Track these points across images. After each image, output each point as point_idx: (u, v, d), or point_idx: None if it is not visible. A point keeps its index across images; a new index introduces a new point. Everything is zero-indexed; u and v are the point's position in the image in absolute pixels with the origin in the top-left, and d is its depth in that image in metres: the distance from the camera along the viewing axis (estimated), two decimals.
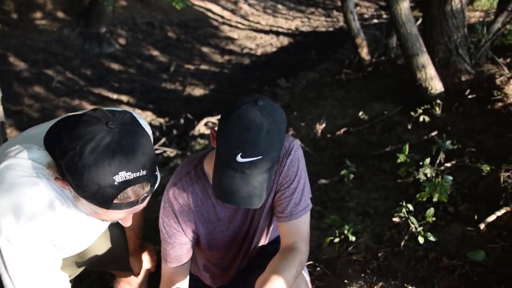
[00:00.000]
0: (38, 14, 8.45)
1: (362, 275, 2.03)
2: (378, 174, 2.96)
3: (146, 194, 1.10)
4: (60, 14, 8.57)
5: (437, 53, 3.82)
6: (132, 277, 1.93)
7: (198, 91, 7.21)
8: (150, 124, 4.53)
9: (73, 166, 1.02)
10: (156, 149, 4.63)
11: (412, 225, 2.04)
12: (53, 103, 6.50)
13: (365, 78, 5.15)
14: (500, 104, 3.21)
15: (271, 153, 1.17)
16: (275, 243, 1.64)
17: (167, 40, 9.07)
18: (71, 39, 8.07)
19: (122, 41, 8.58)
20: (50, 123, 1.32)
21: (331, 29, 9.83)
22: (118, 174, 1.02)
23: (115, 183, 1.02)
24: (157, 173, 1.15)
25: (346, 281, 2.03)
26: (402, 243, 2.13)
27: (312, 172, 3.14)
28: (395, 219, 2.30)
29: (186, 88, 7.31)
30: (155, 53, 8.53)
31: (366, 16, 9.93)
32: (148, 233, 3.17)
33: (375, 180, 2.90)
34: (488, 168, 2.47)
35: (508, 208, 2.13)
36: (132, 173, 1.03)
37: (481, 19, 4.62)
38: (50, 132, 1.11)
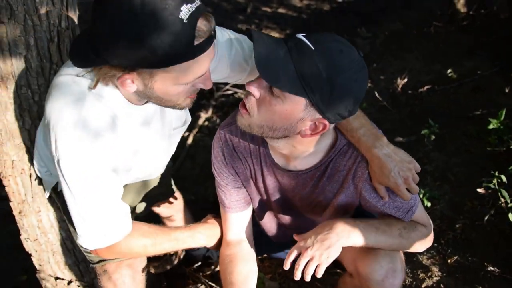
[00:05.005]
0: None
1: (435, 244, 1.87)
2: (463, 138, 2.68)
3: (214, 24, 1.04)
4: None
5: None
6: (174, 214, 1.98)
7: (274, 35, 6.98)
8: None
9: (134, 36, 0.94)
10: (230, 91, 4.54)
11: (502, 199, 1.82)
12: None
13: (457, 32, 4.64)
14: None
15: (323, 59, 1.10)
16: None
17: None
18: None
19: None
20: None
21: None
22: (181, 11, 0.95)
23: (185, 21, 0.95)
24: None
25: None
26: (486, 218, 1.92)
27: (388, 128, 2.91)
28: (480, 190, 2.07)
29: (261, 31, 7.10)
30: None
31: None
32: None
33: (459, 144, 2.63)
34: None
35: None
36: (190, 3, 0.97)
37: None
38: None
